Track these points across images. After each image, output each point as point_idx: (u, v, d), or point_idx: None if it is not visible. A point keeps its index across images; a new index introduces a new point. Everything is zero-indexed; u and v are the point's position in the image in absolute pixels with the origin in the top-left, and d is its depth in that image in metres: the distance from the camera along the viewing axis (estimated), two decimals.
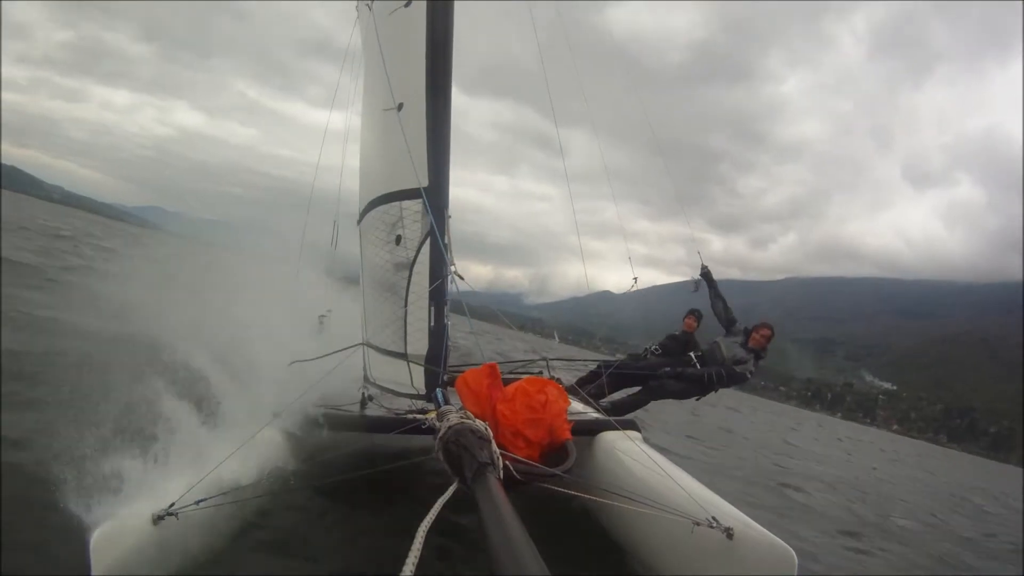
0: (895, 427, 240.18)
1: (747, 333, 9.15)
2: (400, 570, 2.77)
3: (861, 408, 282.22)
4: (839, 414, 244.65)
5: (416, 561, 2.84)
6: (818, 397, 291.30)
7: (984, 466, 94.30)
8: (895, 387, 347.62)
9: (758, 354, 9.13)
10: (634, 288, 9.05)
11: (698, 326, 9.87)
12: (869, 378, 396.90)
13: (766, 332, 9.10)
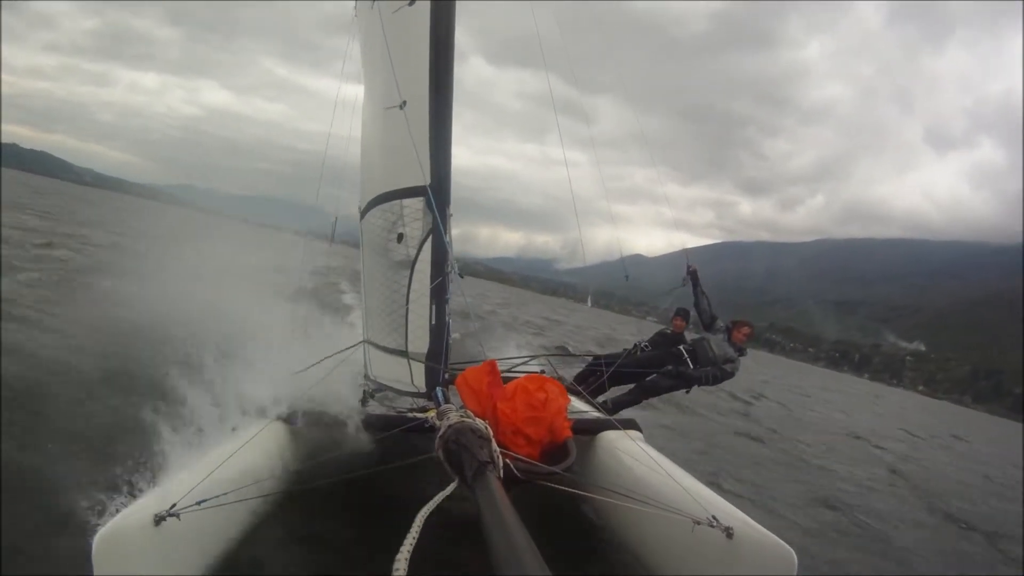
0: (921, 388, 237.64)
1: (728, 330, 9.39)
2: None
3: (888, 369, 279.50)
4: (866, 375, 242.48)
5: (412, 545, 2.92)
6: (846, 358, 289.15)
7: None
8: (923, 348, 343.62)
9: (741, 351, 9.42)
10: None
11: (687, 326, 10.09)
12: (892, 339, 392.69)
13: (747, 330, 9.43)
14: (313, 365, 6.76)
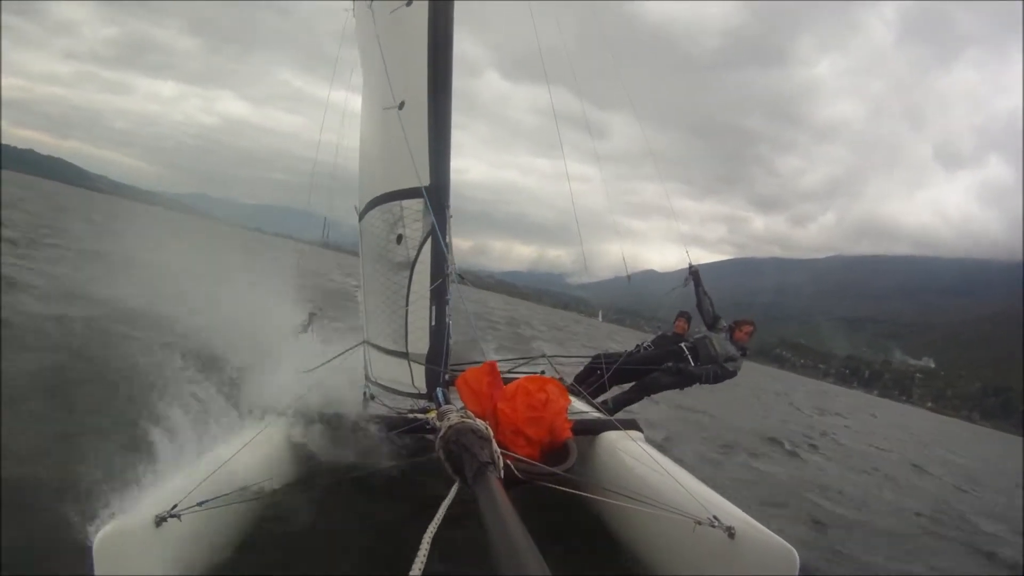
0: (929, 405, 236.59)
1: (730, 329, 9.34)
2: (405, 572, 2.78)
3: (898, 386, 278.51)
4: (875, 392, 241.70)
5: (423, 566, 2.85)
6: (856, 375, 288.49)
7: None
8: (933, 364, 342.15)
9: (744, 350, 9.36)
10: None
11: (689, 327, 10.13)
12: (900, 356, 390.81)
13: (749, 328, 9.36)
14: (320, 366, 6.77)
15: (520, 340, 29.46)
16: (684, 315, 10.12)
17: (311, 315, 9.25)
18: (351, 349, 7.31)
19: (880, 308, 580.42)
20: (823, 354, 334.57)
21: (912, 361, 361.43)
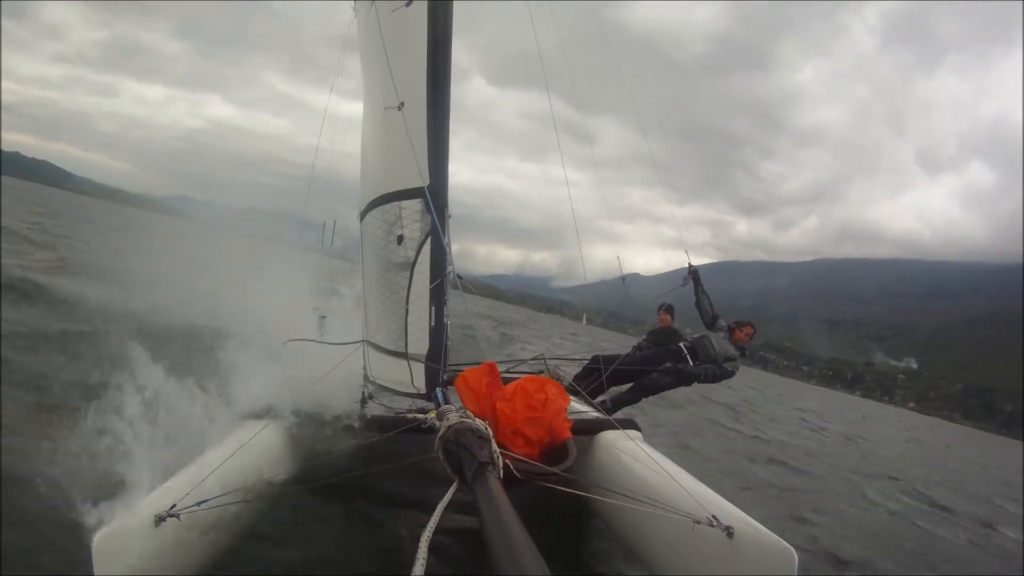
0: (911, 405, 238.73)
1: (730, 330, 9.41)
2: (401, 571, 2.81)
3: (880, 387, 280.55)
4: (858, 392, 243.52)
5: (423, 568, 2.85)
6: (839, 376, 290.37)
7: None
8: (915, 365, 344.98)
9: (743, 351, 9.42)
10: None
11: (672, 319, 10.26)
12: (882, 357, 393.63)
13: (749, 331, 9.44)
14: (309, 341, 6.75)
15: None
16: (666, 308, 10.28)
17: (321, 319, 9.27)
18: (350, 343, 7.27)
19: (863, 311, 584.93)
20: (807, 356, 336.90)
21: (894, 363, 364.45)
